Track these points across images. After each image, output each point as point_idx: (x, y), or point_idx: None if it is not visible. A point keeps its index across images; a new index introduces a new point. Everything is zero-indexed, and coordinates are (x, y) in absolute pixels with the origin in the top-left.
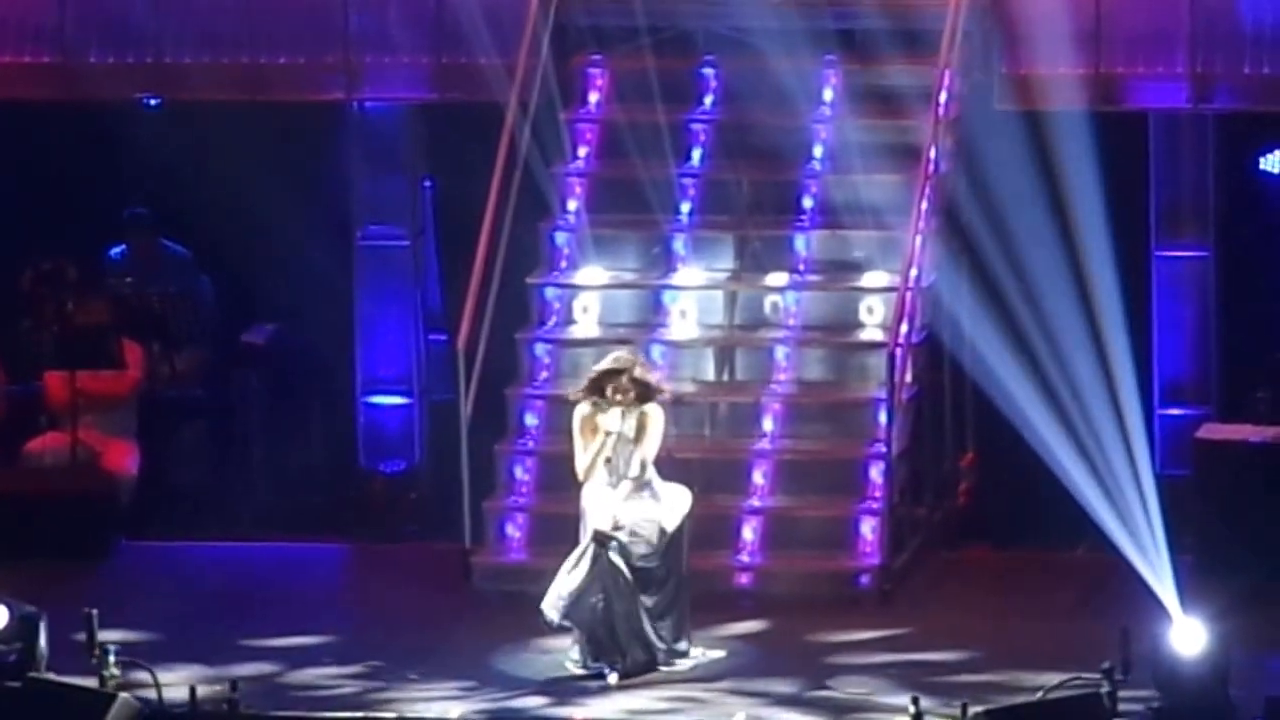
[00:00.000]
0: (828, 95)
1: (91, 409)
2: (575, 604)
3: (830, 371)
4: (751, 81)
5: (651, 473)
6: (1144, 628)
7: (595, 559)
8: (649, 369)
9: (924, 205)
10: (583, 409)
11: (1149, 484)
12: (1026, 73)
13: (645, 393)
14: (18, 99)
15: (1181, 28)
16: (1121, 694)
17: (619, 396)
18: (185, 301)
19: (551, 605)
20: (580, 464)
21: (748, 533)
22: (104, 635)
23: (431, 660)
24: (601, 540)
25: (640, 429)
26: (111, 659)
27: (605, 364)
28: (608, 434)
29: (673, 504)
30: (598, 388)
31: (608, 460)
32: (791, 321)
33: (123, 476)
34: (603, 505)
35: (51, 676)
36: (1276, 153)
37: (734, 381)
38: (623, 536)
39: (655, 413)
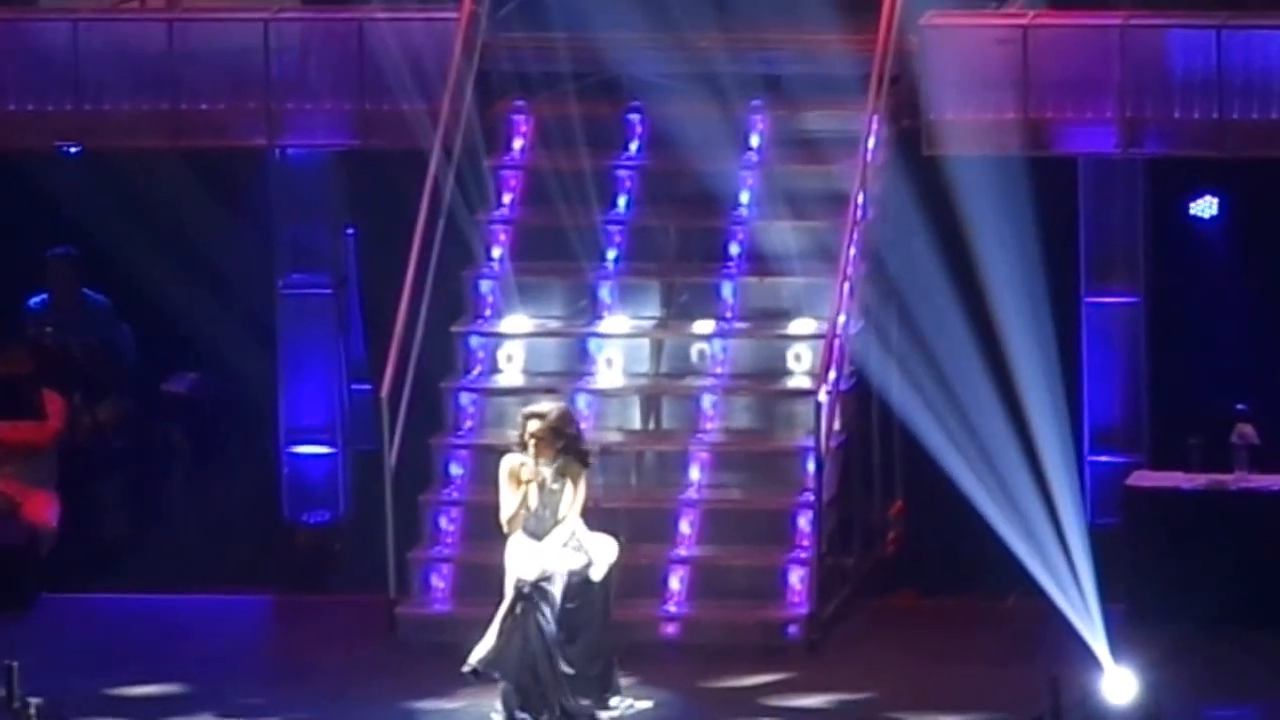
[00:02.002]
0: (754, 141)
1: (11, 459)
2: (499, 655)
3: (758, 420)
4: (678, 127)
5: (577, 523)
6: (1074, 677)
7: (519, 611)
8: (572, 422)
9: (852, 251)
10: (510, 458)
11: (1079, 532)
12: (954, 118)
13: (565, 444)
14: None
15: (1111, 72)
16: None
17: (533, 441)
18: (106, 351)
19: (476, 657)
20: (505, 514)
21: (675, 582)
22: (24, 688)
23: (357, 713)
24: (525, 592)
25: (565, 485)
26: (32, 712)
27: (530, 408)
28: (527, 482)
29: (599, 554)
30: (521, 434)
31: (530, 510)
32: (719, 369)
33: (43, 528)
34: (528, 557)
35: None
36: (1207, 198)
37: (660, 430)
38: (549, 588)
39: (580, 473)
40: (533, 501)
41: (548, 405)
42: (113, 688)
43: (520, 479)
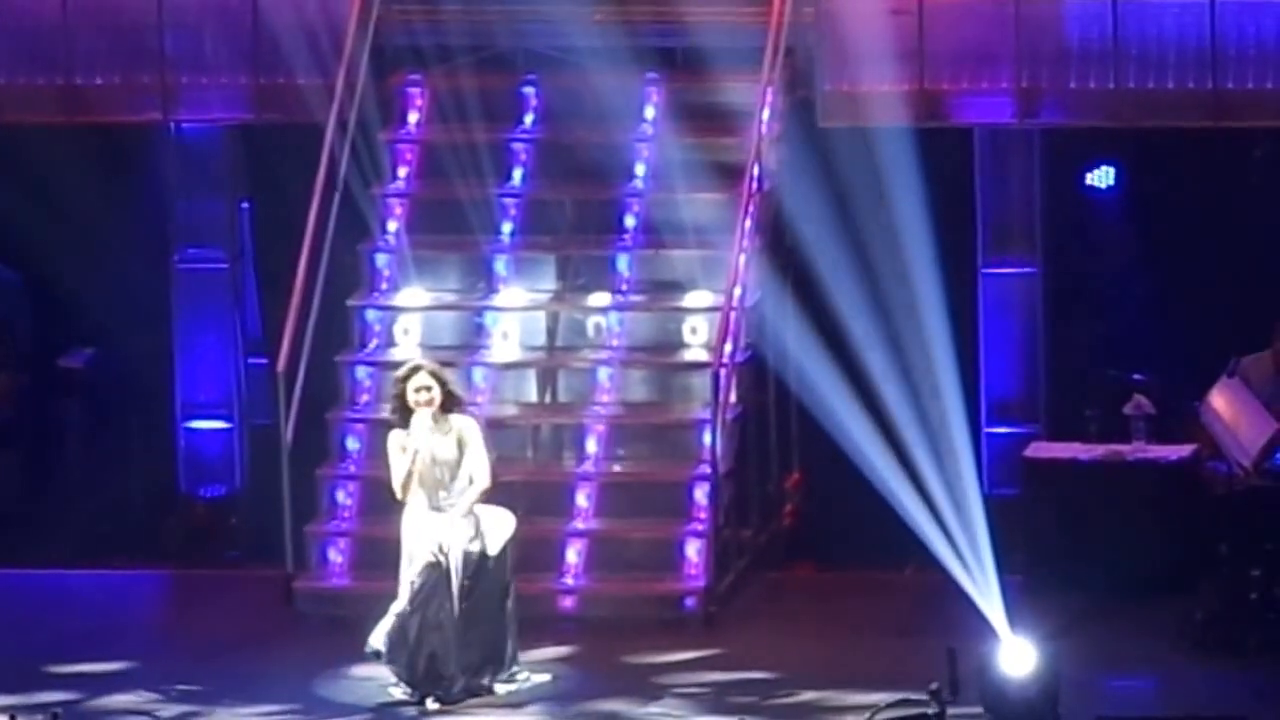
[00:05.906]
0: (649, 113)
1: None
2: (402, 633)
3: (654, 392)
4: (573, 100)
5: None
6: (972, 648)
7: (418, 586)
8: (442, 369)
9: (747, 223)
10: (396, 434)
11: (977, 503)
12: (850, 89)
13: (448, 395)
14: None
15: (1007, 43)
16: (950, 715)
17: (420, 395)
18: (1, 326)
19: (378, 637)
20: (396, 483)
21: (572, 555)
22: None
23: (254, 687)
24: (424, 567)
25: (460, 444)
26: None
27: (400, 371)
28: (416, 451)
29: (496, 527)
30: (402, 400)
31: (422, 479)
32: (614, 342)
33: None
34: (425, 531)
35: None
36: (1103, 168)
37: (557, 403)
38: (446, 562)
39: (469, 423)
40: (419, 465)
41: (416, 362)
42: (8, 662)
43: (406, 448)
